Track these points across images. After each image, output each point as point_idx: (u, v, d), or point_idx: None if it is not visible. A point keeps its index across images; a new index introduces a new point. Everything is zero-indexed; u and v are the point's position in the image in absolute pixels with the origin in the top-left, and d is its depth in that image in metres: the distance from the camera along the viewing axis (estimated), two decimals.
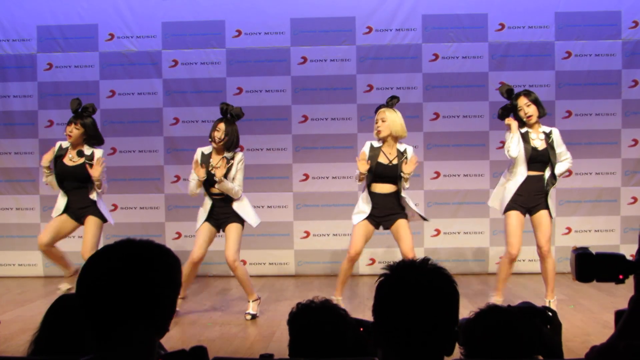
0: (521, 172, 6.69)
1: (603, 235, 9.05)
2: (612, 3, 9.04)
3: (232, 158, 6.90)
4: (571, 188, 9.08)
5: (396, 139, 6.80)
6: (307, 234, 9.26)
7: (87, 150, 7.09)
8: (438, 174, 9.18)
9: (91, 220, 7.10)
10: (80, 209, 7.08)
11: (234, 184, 6.83)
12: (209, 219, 6.92)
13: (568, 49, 9.06)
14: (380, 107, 6.91)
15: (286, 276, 9.15)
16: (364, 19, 9.21)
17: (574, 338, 5.71)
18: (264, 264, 9.31)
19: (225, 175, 6.79)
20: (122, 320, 1.83)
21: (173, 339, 5.77)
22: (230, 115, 6.94)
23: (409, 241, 6.73)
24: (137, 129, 9.27)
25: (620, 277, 2.23)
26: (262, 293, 8.06)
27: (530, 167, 6.67)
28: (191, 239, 9.25)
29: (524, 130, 6.70)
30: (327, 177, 9.26)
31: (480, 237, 9.13)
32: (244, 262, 9.25)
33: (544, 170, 6.70)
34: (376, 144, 6.85)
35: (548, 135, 6.73)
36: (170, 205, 9.37)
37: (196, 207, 8.85)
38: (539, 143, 6.69)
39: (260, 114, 9.21)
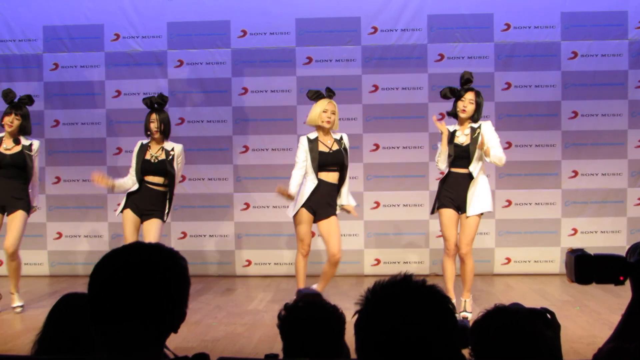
0: (445, 170, 6.80)
1: (609, 237, 9.02)
2: (619, 3, 9.01)
3: (172, 150, 7.16)
4: (577, 189, 9.06)
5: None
6: (313, 234, 9.23)
7: (24, 140, 7.25)
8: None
9: (21, 215, 7.15)
10: (12, 198, 7.12)
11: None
12: (131, 205, 7.07)
13: (574, 49, 9.03)
14: (319, 95, 6.99)
15: (291, 276, 9.12)
16: (369, 19, 9.20)
17: (579, 340, 5.70)
18: (270, 264, 9.31)
19: (170, 170, 7.07)
20: (130, 322, 1.84)
21: (178, 339, 5.77)
22: (157, 105, 7.11)
23: (338, 241, 6.97)
24: (142, 129, 9.25)
25: (621, 278, 2.20)
26: (267, 293, 8.07)
27: (453, 164, 6.73)
28: (197, 238, 9.31)
29: (452, 129, 6.80)
30: None
31: (486, 237, 9.10)
32: (249, 262, 9.28)
33: (468, 167, 6.70)
34: (312, 136, 6.95)
35: (474, 130, 6.75)
36: (176, 206, 9.32)
37: (202, 207, 8.90)
38: (463, 139, 6.76)
39: (266, 114, 9.21)
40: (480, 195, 6.71)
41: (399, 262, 9.07)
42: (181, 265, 1.97)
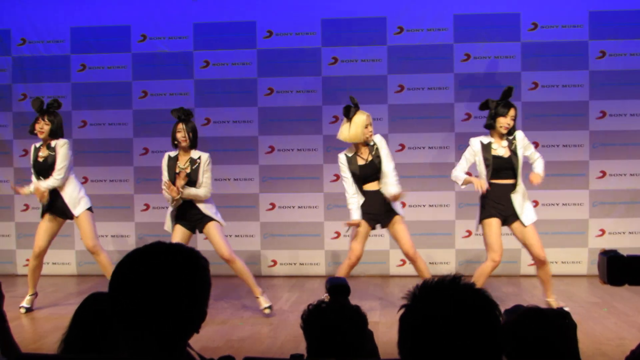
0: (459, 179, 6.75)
1: (638, 238, 8.91)
2: None
3: (199, 158, 7.04)
4: (605, 189, 8.97)
5: None
6: (338, 234, 9.24)
7: (53, 143, 7.31)
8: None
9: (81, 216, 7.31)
10: (61, 203, 7.27)
11: (199, 189, 6.95)
12: (180, 220, 7.01)
13: (602, 49, 8.94)
14: (351, 110, 6.86)
15: (317, 276, 9.14)
16: (395, 19, 9.18)
17: (607, 342, 5.65)
18: (295, 264, 9.32)
19: (194, 179, 6.93)
20: (152, 322, 1.85)
21: (204, 339, 5.79)
22: (185, 115, 7.05)
23: (408, 239, 6.84)
24: (168, 129, 9.22)
25: None
26: (292, 293, 8.07)
27: (497, 175, 6.65)
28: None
29: (486, 141, 6.71)
30: None
31: (512, 238, 9.00)
32: (275, 262, 9.29)
33: (514, 178, 6.66)
34: (349, 153, 6.91)
35: (511, 142, 6.70)
36: None
37: (228, 207, 8.91)
38: (502, 151, 6.67)
39: (291, 114, 9.22)
40: (529, 204, 6.73)
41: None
42: (202, 265, 1.97)
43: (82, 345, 2.53)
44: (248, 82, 9.32)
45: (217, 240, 6.99)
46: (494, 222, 6.65)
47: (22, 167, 9.52)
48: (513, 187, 6.65)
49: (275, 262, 9.36)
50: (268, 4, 9.29)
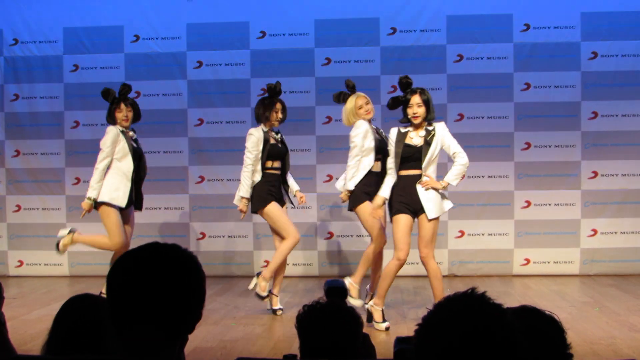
0: (392, 173, 6.41)
1: (629, 238, 8.95)
2: (639, 3, 8.96)
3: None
4: (597, 190, 9.00)
5: None
6: (331, 235, 9.26)
7: (132, 133, 7.25)
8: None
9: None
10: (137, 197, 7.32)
11: None
12: (273, 196, 7.12)
13: (594, 50, 8.98)
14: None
15: (310, 277, 9.15)
16: (388, 20, 9.20)
17: (599, 341, 5.66)
18: (288, 264, 9.27)
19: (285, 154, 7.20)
20: (146, 323, 1.84)
21: (197, 339, 5.79)
22: (277, 92, 7.06)
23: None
24: (161, 130, 9.31)
25: None
26: (286, 294, 8.07)
27: (404, 166, 6.33)
28: (216, 239, 9.33)
29: (404, 130, 6.40)
30: None
31: (505, 238, 9.07)
32: (268, 263, 9.28)
33: (419, 168, 6.29)
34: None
35: (429, 132, 6.35)
36: (195, 206, 9.40)
37: (221, 208, 8.93)
38: (417, 140, 6.33)
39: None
40: (435, 198, 6.34)
41: (417, 263, 9.04)
42: (195, 267, 1.96)
43: (64, 348, 2.52)
44: (241, 82, 9.33)
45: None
46: (401, 219, 6.34)
47: (13, 167, 9.51)
48: (419, 177, 6.31)
49: (268, 263, 9.33)
50: (261, 5, 9.30)
